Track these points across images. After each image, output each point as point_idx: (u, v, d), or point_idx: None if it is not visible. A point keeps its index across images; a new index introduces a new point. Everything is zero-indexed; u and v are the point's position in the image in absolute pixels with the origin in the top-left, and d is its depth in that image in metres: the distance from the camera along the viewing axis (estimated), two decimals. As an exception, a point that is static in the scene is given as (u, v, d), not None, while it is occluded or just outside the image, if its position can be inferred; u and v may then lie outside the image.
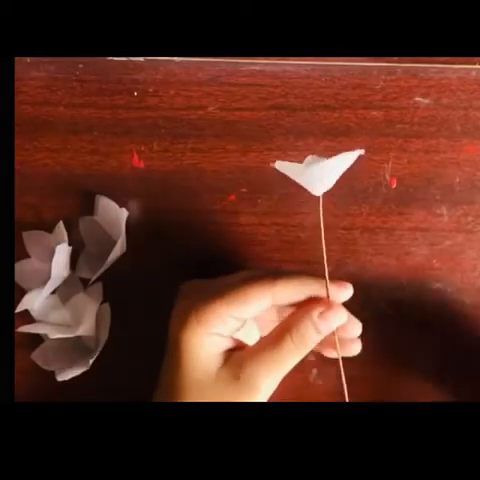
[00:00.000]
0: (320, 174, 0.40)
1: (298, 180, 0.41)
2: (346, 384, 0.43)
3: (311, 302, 0.42)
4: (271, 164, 0.40)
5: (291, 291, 0.42)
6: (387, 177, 0.48)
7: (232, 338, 0.43)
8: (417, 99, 0.48)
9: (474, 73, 0.48)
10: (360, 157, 0.41)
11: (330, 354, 0.45)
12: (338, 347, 0.43)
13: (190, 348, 0.41)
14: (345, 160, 0.40)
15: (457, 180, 0.48)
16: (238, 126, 0.48)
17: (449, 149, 0.48)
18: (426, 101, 0.48)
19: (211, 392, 0.41)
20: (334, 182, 0.41)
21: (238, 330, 0.43)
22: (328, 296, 0.42)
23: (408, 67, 0.48)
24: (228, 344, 0.43)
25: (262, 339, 0.43)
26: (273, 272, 0.43)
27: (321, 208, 0.41)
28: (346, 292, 0.43)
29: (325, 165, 0.39)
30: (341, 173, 0.41)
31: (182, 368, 0.42)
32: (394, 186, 0.48)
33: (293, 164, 0.40)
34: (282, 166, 0.40)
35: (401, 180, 0.48)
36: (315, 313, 0.42)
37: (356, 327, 0.44)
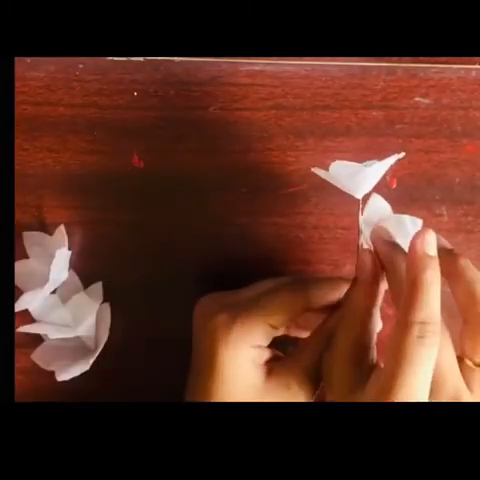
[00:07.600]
0: (364, 178, 0.41)
1: (339, 184, 0.41)
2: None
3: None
4: (312, 169, 0.41)
5: (324, 293, 0.42)
6: (387, 177, 0.48)
7: (269, 348, 0.42)
8: (417, 99, 0.48)
9: (474, 73, 0.48)
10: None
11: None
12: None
13: (237, 363, 0.41)
14: (385, 164, 0.41)
15: (457, 180, 0.48)
16: (238, 126, 0.48)
17: (449, 149, 0.48)
18: (426, 101, 0.48)
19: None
20: (374, 185, 0.42)
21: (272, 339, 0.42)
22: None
23: (408, 67, 0.48)
24: (268, 354, 0.42)
25: (301, 345, 0.43)
26: (299, 278, 0.44)
27: (360, 211, 0.42)
28: None
29: (369, 170, 0.40)
30: (380, 177, 0.42)
31: (228, 385, 0.41)
32: (394, 186, 0.48)
33: (346, 164, 0.40)
34: (336, 166, 0.40)
35: (401, 180, 0.48)
36: None
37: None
